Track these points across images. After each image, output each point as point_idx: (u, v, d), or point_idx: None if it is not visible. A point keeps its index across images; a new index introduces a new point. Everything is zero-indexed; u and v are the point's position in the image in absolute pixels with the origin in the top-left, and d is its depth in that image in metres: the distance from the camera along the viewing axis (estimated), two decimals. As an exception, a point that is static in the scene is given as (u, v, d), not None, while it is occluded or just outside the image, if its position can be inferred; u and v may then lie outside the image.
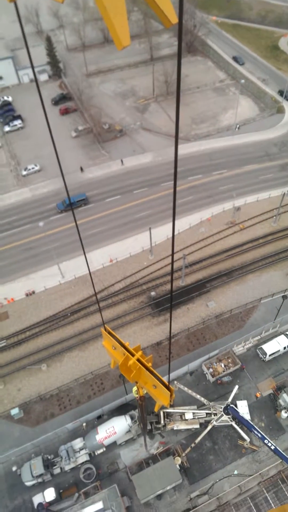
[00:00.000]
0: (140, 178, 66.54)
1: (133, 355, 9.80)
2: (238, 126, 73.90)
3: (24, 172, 67.80)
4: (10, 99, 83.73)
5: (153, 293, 51.70)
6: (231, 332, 47.82)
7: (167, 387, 9.57)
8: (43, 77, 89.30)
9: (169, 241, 57.19)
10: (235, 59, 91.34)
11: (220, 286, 52.50)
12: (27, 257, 56.95)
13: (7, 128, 76.66)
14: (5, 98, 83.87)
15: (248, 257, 55.63)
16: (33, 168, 68.03)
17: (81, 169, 66.27)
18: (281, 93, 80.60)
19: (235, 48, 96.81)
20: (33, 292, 52.46)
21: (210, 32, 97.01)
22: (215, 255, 55.97)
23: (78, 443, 39.08)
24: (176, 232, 58.12)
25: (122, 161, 67.90)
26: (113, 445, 39.67)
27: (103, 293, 52.08)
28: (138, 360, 9.72)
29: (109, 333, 10.28)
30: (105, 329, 10.35)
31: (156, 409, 11.59)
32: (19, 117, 78.42)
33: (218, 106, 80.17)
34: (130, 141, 73.28)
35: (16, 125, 76.80)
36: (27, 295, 52.22)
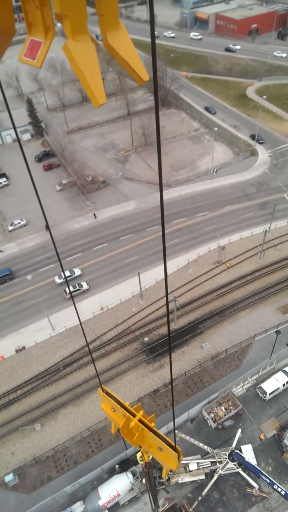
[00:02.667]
0: (125, 225, 68.16)
1: (134, 415, 9.07)
2: (215, 170, 77.58)
3: (10, 228, 68.84)
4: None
5: (146, 339, 51.22)
6: (228, 372, 47.07)
7: (174, 448, 8.88)
8: (25, 137, 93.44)
9: (159, 284, 57.63)
10: (207, 109, 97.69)
11: (213, 326, 52.36)
12: (16, 312, 56.33)
13: (-8, 186, 78.80)
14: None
15: (238, 294, 56.12)
16: (19, 223, 69.22)
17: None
18: (253, 137, 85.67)
19: (206, 99, 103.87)
20: (23, 348, 51.34)
21: (181, 86, 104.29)
22: (205, 295, 56.33)
23: (78, 507, 36.65)
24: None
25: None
26: (115, 506, 37.29)
27: (96, 342, 51.29)
28: (140, 421, 9.00)
29: (107, 393, 9.67)
30: (103, 390, 9.73)
31: (164, 476, 10.74)
32: (3, 175, 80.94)
33: (195, 153, 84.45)
34: (113, 191, 75.84)
35: (1, 183, 79.05)
36: (17, 351, 51.03)
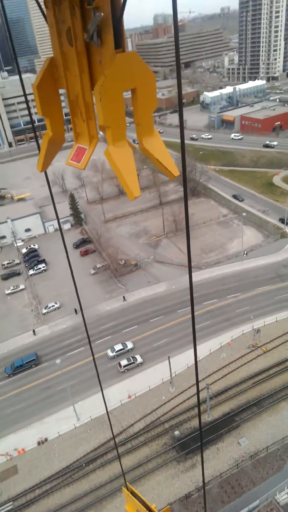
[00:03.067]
0: (155, 307, 67.74)
1: None
2: (245, 252, 77.91)
3: (44, 310, 70.64)
4: (36, 246, 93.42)
5: (177, 433, 46.72)
6: (270, 475, 40.89)
7: None
8: (66, 226, 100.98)
9: (190, 370, 54.46)
10: (235, 197, 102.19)
11: (251, 419, 47.23)
12: (43, 398, 54.57)
13: (31, 272, 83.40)
14: (32, 246, 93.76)
15: (277, 382, 51.38)
16: (53, 306, 71.09)
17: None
18: (282, 220, 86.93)
19: (233, 188, 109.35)
20: (46, 440, 48.31)
21: (210, 178, 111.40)
22: (241, 382, 52.09)
23: None
24: (197, 358, 55.79)
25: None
26: None
27: (122, 435, 47.44)
28: None
29: (132, 492, 8.85)
30: (127, 488, 8.90)
31: None
32: (43, 261, 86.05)
33: (224, 237, 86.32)
34: (144, 273, 77.43)
35: (40, 268, 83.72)
36: (39, 443, 48.01)
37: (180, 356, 56.15)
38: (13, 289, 78.45)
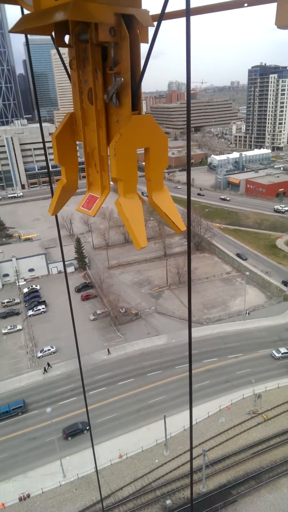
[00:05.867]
0: (154, 360, 65.97)
1: None
2: (248, 311, 77.58)
3: (40, 354, 68.63)
4: (38, 287, 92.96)
5: (168, 502, 43.50)
6: None
7: None
8: (70, 270, 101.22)
9: (187, 432, 51.81)
10: (238, 255, 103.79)
11: (249, 494, 44.12)
12: (28, 450, 51.31)
13: (30, 312, 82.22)
14: (34, 286, 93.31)
15: (278, 455, 48.70)
16: (49, 350, 69.19)
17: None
18: (285, 283, 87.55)
19: (237, 247, 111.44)
20: (28, 496, 44.70)
21: (214, 235, 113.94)
22: (239, 451, 49.35)
23: None
24: (193, 422, 53.36)
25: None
26: None
27: (109, 499, 44.04)
28: None
29: None
30: None
31: None
32: (43, 302, 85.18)
33: (227, 294, 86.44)
34: (145, 324, 76.38)
35: (39, 309, 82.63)
36: (20, 499, 44.37)
37: (177, 417, 53.73)
38: (10, 329, 76.80)
